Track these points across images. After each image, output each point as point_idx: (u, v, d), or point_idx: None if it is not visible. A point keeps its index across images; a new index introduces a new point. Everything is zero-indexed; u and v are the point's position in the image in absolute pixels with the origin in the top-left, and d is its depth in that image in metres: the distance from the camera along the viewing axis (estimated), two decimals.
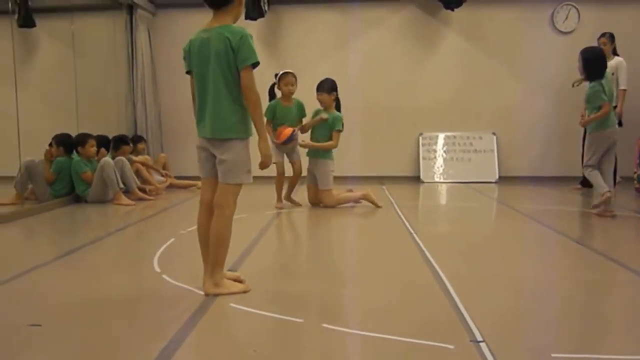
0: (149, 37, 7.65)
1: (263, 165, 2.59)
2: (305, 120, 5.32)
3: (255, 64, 2.50)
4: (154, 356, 1.89)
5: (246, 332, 2.20)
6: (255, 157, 2.56)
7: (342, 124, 5.30)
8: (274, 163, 4.79)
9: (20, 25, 6.95)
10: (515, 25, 7.57)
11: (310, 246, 4.06)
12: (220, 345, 2.05)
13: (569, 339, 2.11)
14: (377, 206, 5.31)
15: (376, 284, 2.83)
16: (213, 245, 2.55)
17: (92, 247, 3.74)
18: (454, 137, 7.72)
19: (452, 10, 7.32)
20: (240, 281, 2.70)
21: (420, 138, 7.74)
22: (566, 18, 7.47)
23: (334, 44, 7.72)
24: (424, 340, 2.01)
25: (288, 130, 5.02)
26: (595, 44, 6.03)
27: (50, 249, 3.97)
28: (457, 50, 7.67)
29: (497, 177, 7.51)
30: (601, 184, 4.62)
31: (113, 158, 5.83)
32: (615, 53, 6.32)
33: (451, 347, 1.95)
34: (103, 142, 6.11)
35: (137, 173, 6.17)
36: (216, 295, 2.53)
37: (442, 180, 7.57)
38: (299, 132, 5.19)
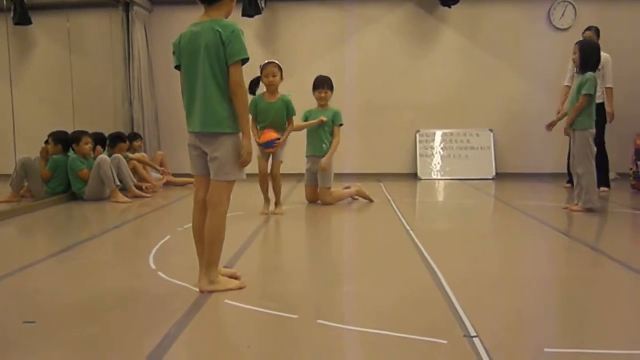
0: (146, 34, 7.63)
1: (244, 163, 2.57)
2: (296, 120, 5.10)
3: (245, 60, 2.48)
4: (148, 352, 1.89)
5: (241, 329, 2.20)
6: None
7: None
8: (257, 157, 4.66)
9: (16, 23, 6.95)
10: (512, 22, 7.58)
11: (306, 243, 4.06)
12: (214, 341, 2.06)
13: (562, 335, 2.11)
14: (371, 200, 5.33)
15: (371, 281, 2.83)
16: (208, 244, 2.54)
17: (88, 244, 3.73)
18: (452, 134, 7.72)
19: (449, 7, 7.33)
20: (236, 278, 2.70)
21: (418, 135, 7.74)
22: (563, 15, 7.48)
23: (331, 41, 7.72)
24: (418, 335, 2.01)
25: (272, 135, 4.49)
26: None
27: (46, 247, 3.96)
28: (454, 47, 7.68)
29: (494, 174, 7.52)
30: (595, 190, 4.65)
31: (110, 156, 5.82)
32: None
33: (445, 342, 1.95)
34: (99, 140, 6.10)
35: (134, 171, 6.17)
36: (211, 292, 2.53)
37: (439, 177, 7.58)
38: (284, 144, 4.69)
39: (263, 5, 7.30)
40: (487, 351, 1.86)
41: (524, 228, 4.33)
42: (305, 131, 5.35)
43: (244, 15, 7.12)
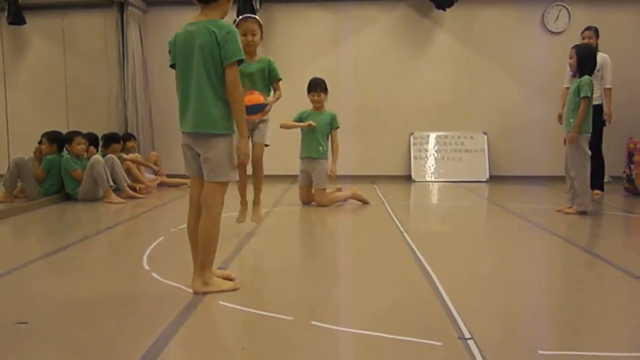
0: (140, 34, 7.61)
1: (241, 164, 2.58)
2: (289, 118, 4.94)
3: (240, 61, 2.49)
4: (142, 353, 1.88)
5: (235, 330, 2.20)
6: None
7: None
8: None
9: (10, 23, 6.92)
10: (506, 25, 7.60)
11: (301, 245, 4.06)
12: (208, 342, 2.05)
13: (556, 336, 2.12)
14: (366, 202, 5.34)
15: (366, 282, 2.83)
16: (201, 244, 2.54)
17: (81, 245, 3.72)
18: (445, 136, 7.74)
19: (444, 10, 7.35)
20: (230, 279, 2.69)
21: (412, 137, 7.75)
22: (557, 18, 7.51)
23: (326, 42, 7.73)
24: (412, 337, 2.01)
25: (258, 98, 3.58)
26: None
27: (39, 247, 3.94)
28: (449, 50, 7.70)
29: (487, 176, 7.54)
30: (588, 191, 4.68)
31: (103, 156, 5.80)
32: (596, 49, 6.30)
33: (439, 344, 1.95)
34: (92, 140, 6.08)
35: (128, 171, 6.15)
36: (205, 293, 2.52)
37: (433, 179, 7.59)
38: (269, 108, 3.82)
39: (258, 7, 7.30)
40: (481, 353, 1.87)
41: (517, 230, 4.34)
42: (300, 132, 5.35)
43: (238, 15, 7.10)
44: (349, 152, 7.41)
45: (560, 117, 5.35)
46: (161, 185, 6.82)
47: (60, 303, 2.46)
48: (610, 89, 5.98)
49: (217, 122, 2.48)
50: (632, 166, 6.09)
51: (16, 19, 6.94)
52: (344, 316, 2.32)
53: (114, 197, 5.57)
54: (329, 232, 4.42)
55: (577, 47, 4.82)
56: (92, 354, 1.93)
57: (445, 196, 6.39)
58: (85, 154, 5.79)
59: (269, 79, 3.86)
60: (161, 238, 3.78)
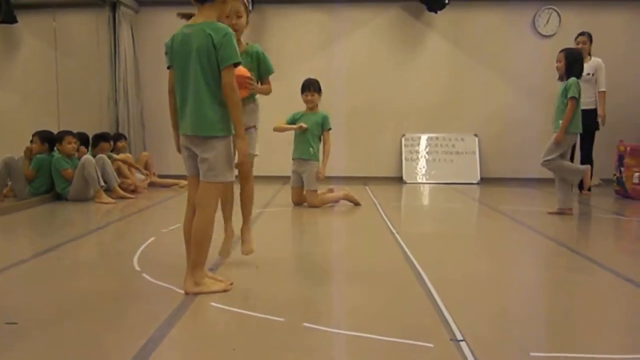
0: (132, 34, 7.59)
1: (242, 166, 2.57)
2: (282, 121, 4.95)
3: (237, 64, 2.49)
4: (132, 354, 1.87)
5: (226, 331, 2.19)
6: None
7: None
8: None
9: (1, 21, 6.86)
10: (498, 28, 7.65)
11: (292, 246, 4.05)
12: (199, 343, 2.04)
13: (548, 339, 2.12)
14: (358, 204, 5.34)
15: (357, 284, 2.83)
16: (194, 244, 2.53)
17: (71, 245, 3.69)
18: (437, 138, 7.76)
19: (436, 12, 7.39)
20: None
21: (403, 139, 7.77)
22: (547, 22, 7.57)
23: (318, 44, 7.74)
24: (404, 339, 2.01)
25: (244, 71, 2.82)
26: None
27: (29, 247, 3.91)
28: (440, 52, 7.73)
29: (478, 178, 7.57)
30: (573, 167, 4.72)
31: (93, 156, 5.77)
32: (589, 54, 6.35)
33: (431, 345, 1.95)
34: (83, 140, 6.06)
35: (118, 171, 6.12)
36: (196, 294, 2.51)
37: (424, 181, 7.61)
38: (255, 87, 2.97)
39: (250, 8, 7.28)
40: (473, 354, 1.87)
41: (509, 232, 4.36)
42: (292, 133, 5.35)
43: None
44: (340, 153, 7.41)
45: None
46: (152, 185, 6.80)
47: (50, 303, 2.44)
48: (604, 91, 6.08)
49: (215, 124, 2.48)
50: (622, 169, 6.13)
51: (7, 18, 6.88)
52: (335, 318, 2.32)
53: (105, 197, 5.55)
54: (321, 233, 4.41)
55: (566, 51, 4.85)
56: (82, 355, 1.92)
57: (437, 198, 6.41)
58: (76, 153, 5.77)
59: (259, 72, 3.10)
60: (152, 239, 3.76)
